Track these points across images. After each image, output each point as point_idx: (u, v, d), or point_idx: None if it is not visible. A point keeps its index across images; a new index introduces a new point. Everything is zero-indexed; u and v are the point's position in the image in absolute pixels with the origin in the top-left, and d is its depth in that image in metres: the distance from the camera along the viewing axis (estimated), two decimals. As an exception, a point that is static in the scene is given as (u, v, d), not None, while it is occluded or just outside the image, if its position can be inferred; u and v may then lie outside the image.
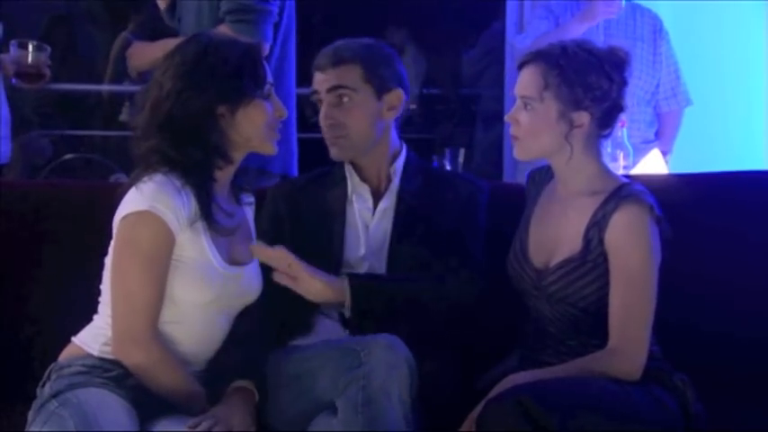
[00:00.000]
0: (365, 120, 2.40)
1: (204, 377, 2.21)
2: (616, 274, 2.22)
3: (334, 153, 2.43)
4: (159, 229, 2.09)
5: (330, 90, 2.39)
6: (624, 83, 2.29)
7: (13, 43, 3.22)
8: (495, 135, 4.72)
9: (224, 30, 2.86)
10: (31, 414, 2.09)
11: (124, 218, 2.12)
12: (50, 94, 5.98)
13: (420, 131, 6.46)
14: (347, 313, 2.28)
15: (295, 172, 3.14)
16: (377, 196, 2.44)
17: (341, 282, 2.26)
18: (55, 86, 6.12)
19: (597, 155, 2.33)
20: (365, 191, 2.44)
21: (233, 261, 2.21)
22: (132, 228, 2.11)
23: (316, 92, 2.42)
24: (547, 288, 2.29)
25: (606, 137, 2.34)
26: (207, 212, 2.13)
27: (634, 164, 3.41)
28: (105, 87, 5.93)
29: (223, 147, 2.16)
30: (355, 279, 2.28)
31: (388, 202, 2.43)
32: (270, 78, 2.22)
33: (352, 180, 2.44)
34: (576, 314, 2.27)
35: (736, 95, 4.34)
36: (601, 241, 2.24)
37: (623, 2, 3.68)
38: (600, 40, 2.51)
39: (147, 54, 3.09)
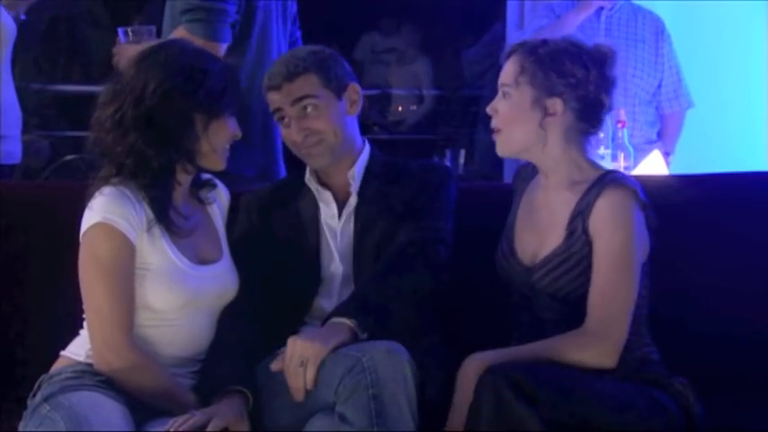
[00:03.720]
0: (335, 122, 2.41)
1: (195, 378, 2.23)
2: (597, 255, 2.20)
3: (313, 163, 2.44)
4: (115, 238, 2.13)
5: (295, 102, 2.39)
6: (604, 78, 2.27)
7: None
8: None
9: (180, 32, 2.84)
10: (22, 423, 2.10)
11: (82, 236, 2.16)
12: (51, 96, 5.98)
13: (421, 132, 6.47)
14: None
15: (281, 175, 3.10)
16: (343, 200, 2.44)
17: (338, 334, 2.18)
18: (56, 87, 6.14)
19: (580, 150, 2.31)
20: (328, 197, 2.44)
21: (201, 260, 2.24)
22: (90, 242, 2.15)
23: (278, 110, 2.42)
24: (536, 283, 2.28)
25: (590, 134, 2.32)
26: (162, 216, 2.16)
27: (636, 163, 3.41)
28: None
29: (194, 153, 2.20)
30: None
31: (352, 206, 2.43)
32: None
33: (313, 187, 2.45)
34: (567, 306, 2.25)
35: (736, 96, 4.34)
36: (585, 230, 2.23)
37: None
38: (601, 41, 2.50)
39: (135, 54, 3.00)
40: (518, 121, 2.28)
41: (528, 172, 2.42)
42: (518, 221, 2.38)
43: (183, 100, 2.16)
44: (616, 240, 2.19)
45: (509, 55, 2.31)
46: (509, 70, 2.29)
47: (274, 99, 2.41)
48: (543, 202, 2.34)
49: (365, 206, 2.42)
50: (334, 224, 2.43)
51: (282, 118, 2.42)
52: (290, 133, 2.41)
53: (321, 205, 2.44)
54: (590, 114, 2.28)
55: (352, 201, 2.43)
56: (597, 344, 2.15)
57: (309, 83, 2.39)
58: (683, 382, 2.24)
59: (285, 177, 2.55)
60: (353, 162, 2.45)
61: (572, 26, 3.63)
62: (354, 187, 2.43)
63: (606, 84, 2.28)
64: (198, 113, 2.18)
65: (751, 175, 2.94)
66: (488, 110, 2.32)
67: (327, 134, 2.40)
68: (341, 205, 2.44)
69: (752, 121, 4.38)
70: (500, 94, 2.31)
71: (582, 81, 2.25)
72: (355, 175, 2.44)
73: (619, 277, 2.18)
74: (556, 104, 2.26)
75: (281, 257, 2.39)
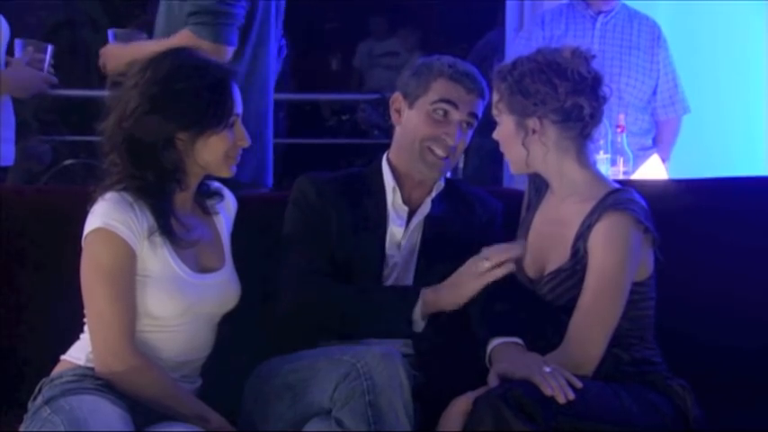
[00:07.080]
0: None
1: (193, 382, 2.25)
2: (589, 275, 2.22)
3: (435, 173, 2.46)
4: (115, 244, 2.13)
5: (470, 114, 2.44)
6: (576, 83, 2.27)
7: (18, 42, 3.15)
8: (494, 141, 4.71)
9: (185, 34, 2.82)
10: (23, 425, 2.11)
11: (84, 240, 2.17)
12: (51, 100, 5.97)
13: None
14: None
15: (269, 183, 3.08)
16: (410, 213, 2.48)
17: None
18: (56, 92, 6.13)
19: (578, 160, 2.32)
20: (403, 211, 2.47)
21: (202, 269, 2.24)
22: (91, 247, 2.16)
23: (451, 102, 2.42)
24: (542, 297, 2.30)
25: (585, 138, 2.33)
26: (164, 228, 2.16)
27: (633, 170, 3.40)
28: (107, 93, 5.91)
29: (177, 172, 2.19)
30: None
31: (419, 219, 2.47)
32: (237, 110, 2.23)
33: (395, 199, 2.48)
34: (569, 318, 2.25)
35: (735, 100, 4.33)
36: (586, 251, 2.24)
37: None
38: (594, 48, 2.49)
39: (122, 56, 2.91)
40: (510, 145, 2.34)
41: (540, 183, 2.43)
42: (531, 235, 2.39)
43: (159, 123, 2.15)
44: (608, 264, 2.21)
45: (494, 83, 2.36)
46: (493, 99, 2.36)
47: (463, 97, 2.43)
48: (554, 215, 2.35)
49: (432, 229, 2.46)
50: (398, 234, 2.45)
51: (445, 112, 2.43)
52: (445, 130, 2.42)
53: (391, 212, 2.46)
54: (573, 121, 2.29)
55: (419, 218, 2.46)
56: (572, 358, 2.17)
57: (479, 107, 2.46)
58: (682, 384, 2.25)
59: (349, 171, 2.55)
60: (433, 181, 2.50)
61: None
62: (426, 206, 2.47)
63: (581, 86, 2.27)
64: (179, 133, 2.17)
65: (750, 180, 2.94)
66: (494, 136, 2.38)
67: (459, 154, 2.48)
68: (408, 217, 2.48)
69: (751, 125, 4.37)
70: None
71: (549, 96, 2.26)
72: (440, 186, 2.50)
73: (605, 300, 2.21)
74: (534, 123, 2.29)
75: (344, 249, 2.42)
